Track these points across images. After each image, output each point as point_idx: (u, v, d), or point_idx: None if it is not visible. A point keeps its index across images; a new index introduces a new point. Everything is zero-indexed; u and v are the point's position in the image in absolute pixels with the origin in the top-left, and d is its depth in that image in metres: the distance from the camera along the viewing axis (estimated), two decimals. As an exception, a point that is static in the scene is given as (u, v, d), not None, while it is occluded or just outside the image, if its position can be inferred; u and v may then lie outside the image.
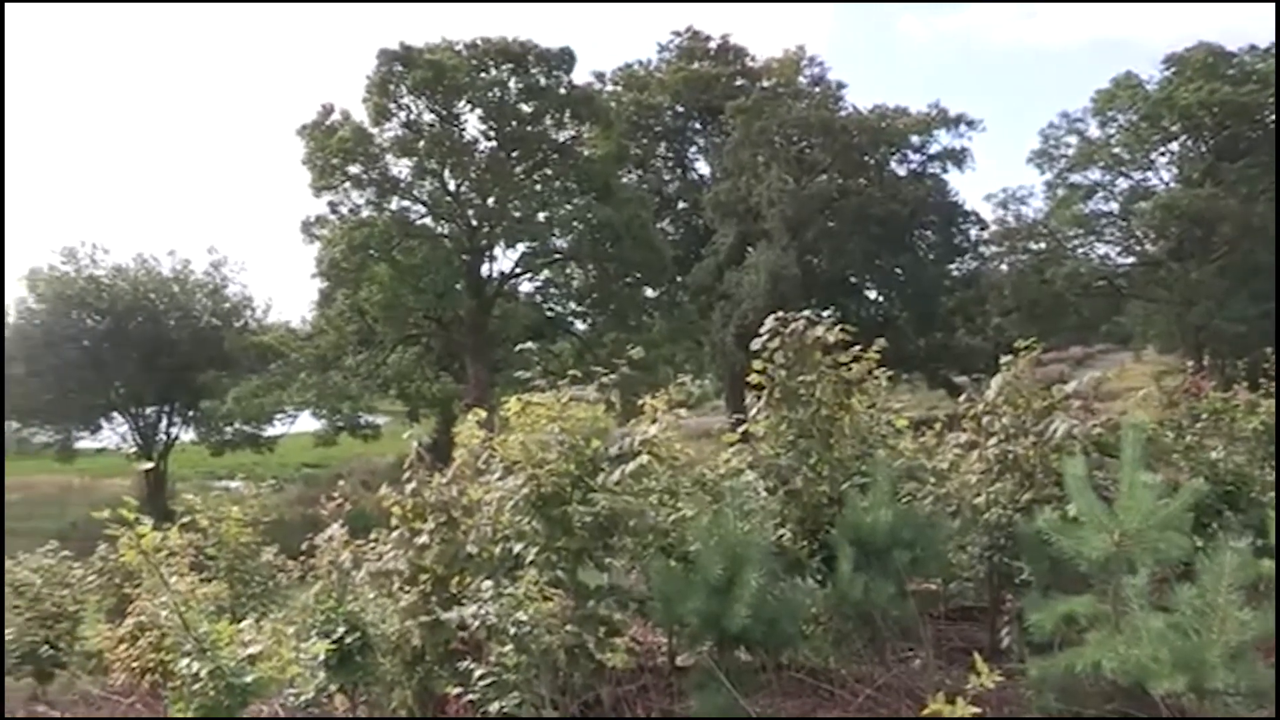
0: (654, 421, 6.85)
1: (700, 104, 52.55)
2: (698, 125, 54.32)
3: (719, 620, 5.72)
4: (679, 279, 47.02)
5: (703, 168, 54.98)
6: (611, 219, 41.27)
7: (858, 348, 7.41)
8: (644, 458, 6.46)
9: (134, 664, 9.45)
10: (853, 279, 48.05)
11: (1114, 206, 46.28)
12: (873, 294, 49.80)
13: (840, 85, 52.34)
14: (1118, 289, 47.22)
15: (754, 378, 7.51)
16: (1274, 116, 40.42)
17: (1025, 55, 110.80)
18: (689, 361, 49.58)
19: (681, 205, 53.99)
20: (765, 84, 52.69)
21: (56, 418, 45.49)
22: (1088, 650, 4.63)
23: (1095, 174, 46.09)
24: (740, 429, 7.75)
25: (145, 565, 4.08)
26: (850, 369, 7.36)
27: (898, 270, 46.68)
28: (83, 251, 46.78)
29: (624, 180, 46.56)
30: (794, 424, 7.33)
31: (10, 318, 45.42)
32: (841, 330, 7.36)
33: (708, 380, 54.04)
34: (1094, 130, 46.22)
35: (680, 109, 53.61)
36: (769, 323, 7.43)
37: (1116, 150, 45.32)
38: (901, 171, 48.87)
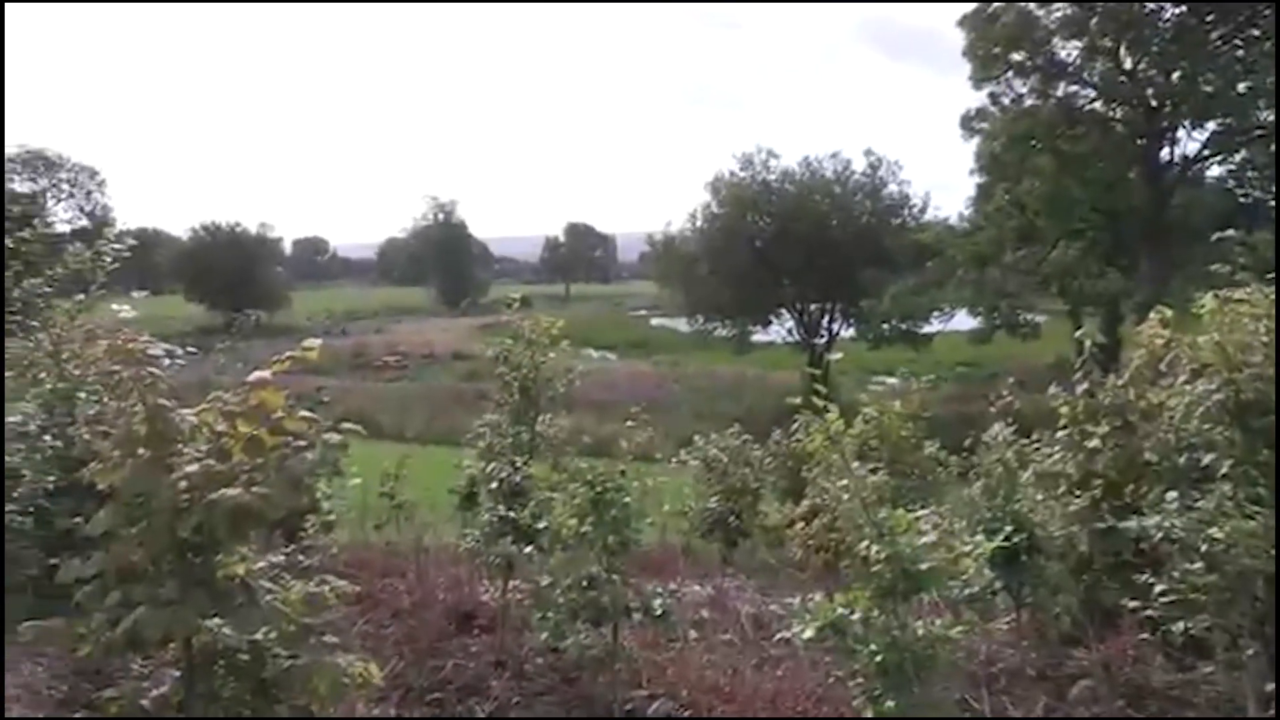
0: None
1: None
2: None
3: None
4: None
5: None
6: (1339, 80, 34.46)
7: None
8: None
9: (809, 541, 10.29)
10: None
11: None
12: None
13: None
14: None
15: None
16: None
17: None
18: None
19: None
20: None
21: (733, 313, 50.65)
22: None
23: None
24: None
25: (829, 450, 4.31)
26: None
27: None
28: (757, 158, 51.23)
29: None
30: None
31: (696, 221, 51.59)
32: None
33: None
34: None
35: None
36: None
37: None
38: None
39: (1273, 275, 6.11)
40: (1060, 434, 6.81)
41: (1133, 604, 5.46)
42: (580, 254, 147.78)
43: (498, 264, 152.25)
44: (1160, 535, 5.05)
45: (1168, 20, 38.91)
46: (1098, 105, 41.51)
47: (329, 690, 3.33)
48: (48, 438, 5.31)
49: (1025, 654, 6.30)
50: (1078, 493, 6.50)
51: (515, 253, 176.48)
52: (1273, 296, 5.80)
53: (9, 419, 5.50)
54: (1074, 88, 41.44)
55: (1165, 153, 40.50)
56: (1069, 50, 40.78)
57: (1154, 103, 39.40)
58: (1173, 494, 5.23)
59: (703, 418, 33.81)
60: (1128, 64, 39.88)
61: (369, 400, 39.47)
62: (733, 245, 49.19)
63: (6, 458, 5.33)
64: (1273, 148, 40.02)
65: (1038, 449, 7.14)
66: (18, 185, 72.67)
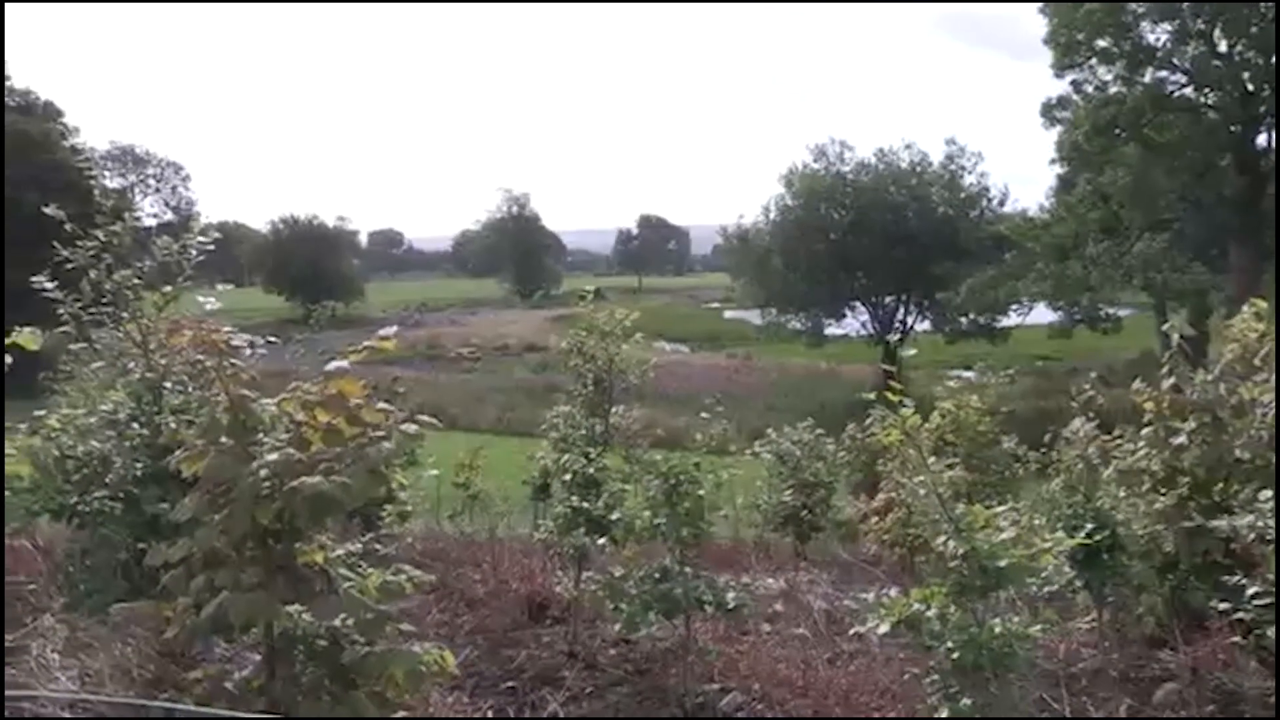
0: None
1: None
2: None
3: None
4: None
5: None
6: None
7: None
8: None
9: (884, 536, 10.19)
10: None
11: None
12: None
13: None
14: None
15: None
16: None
17: None
18: None
19: None
20: None
21: (808, 305, 50.31)
22: None
23: None
24: None
25: (906, 445, 4.25)
26: None
27: None
28: (831, 150, 50.86)
29: None
30: None
31: (770, 214, 51.42)
32: None
33: None
34: None
35: None
36: None
37: None
38: None
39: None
40: (1145, 430, 6.62)
41: (1223, 605, 5.28)
42: (653, 246, 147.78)
43: (571, 256, 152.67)
44: (1254, 535, 4.88)
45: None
46: (1188, 91, 40.16)
47: (405, 678, 3.38)
48: (136, 425, 5.45)
49: (1107, 655, 6.15)
50: (1163, 490, 6.31)
51: (589, 245, 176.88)
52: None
53: (101, 407, 5.67)
54: (1163, 73, 40.17)
55: (1263, 139, 39.08)
56: (1158, 34, 39.54)
57: (1250, 86, 37.97)
58: (1267, 493, 5.05)
59: (776, 411, 33.66)
60: (1222, 47, 38.48)
61: (443, 392, 39.97)
62: (806, 238, 48.83)
63: (98, 445, 5.50)
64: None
65: (1120, 445, 6.95)
66: (108, 180, 74.97)
